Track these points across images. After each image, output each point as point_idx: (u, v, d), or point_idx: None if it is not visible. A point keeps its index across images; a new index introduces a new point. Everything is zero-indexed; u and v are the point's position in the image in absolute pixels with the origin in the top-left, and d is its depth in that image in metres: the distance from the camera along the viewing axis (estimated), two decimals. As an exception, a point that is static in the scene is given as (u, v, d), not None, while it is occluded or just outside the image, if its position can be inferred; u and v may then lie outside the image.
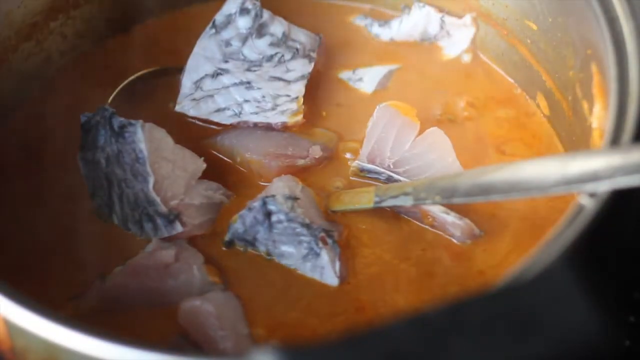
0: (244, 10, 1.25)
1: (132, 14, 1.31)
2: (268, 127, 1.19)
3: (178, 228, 1.09)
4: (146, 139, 1.09)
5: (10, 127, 1.21)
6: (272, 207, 1.07)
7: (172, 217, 1.09)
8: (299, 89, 1.22)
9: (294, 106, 1.20)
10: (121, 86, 1.24)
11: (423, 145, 1.16)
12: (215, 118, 1.20)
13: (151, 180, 1.08)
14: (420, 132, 1.17)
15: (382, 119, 1.18)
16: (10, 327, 0.89)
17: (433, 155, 1.15)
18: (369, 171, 1.16)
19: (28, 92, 1.24)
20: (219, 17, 1.25)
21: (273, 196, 1.08)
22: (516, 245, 1.11)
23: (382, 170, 1.15)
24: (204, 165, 1.13)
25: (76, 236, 1.12)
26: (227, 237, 1.10)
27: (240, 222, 1.08)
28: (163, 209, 1.09)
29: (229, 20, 1.25)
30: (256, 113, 1.20)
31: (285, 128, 1.20)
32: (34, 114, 1.23)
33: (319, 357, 0.74)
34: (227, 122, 1.20)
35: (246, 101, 1.20)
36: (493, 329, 0.75)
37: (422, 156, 1.16)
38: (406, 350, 0.73)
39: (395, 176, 1.15)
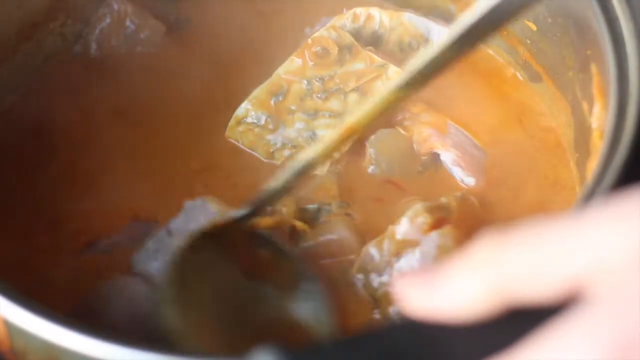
0: None
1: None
2: None
3: None
4: None
5: (10, 124, 1.22)
6: None
7: None
8: None
9: None
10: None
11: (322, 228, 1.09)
12: None
13: None
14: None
15: None
16: (10, 327, 0.89)
17: (332, 236, 1.08)
18: None
19: (28, 91, 1.24)
20: None
21: None
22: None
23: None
24: None
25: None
26: None
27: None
28: None
29: None
30: None
31: None
32: (33, 113, 1.23)
33: (319, 357, 0.74)
34: None
35: None
36: (493, 327, 0.75)
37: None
38: (406, 351, 0.73)
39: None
